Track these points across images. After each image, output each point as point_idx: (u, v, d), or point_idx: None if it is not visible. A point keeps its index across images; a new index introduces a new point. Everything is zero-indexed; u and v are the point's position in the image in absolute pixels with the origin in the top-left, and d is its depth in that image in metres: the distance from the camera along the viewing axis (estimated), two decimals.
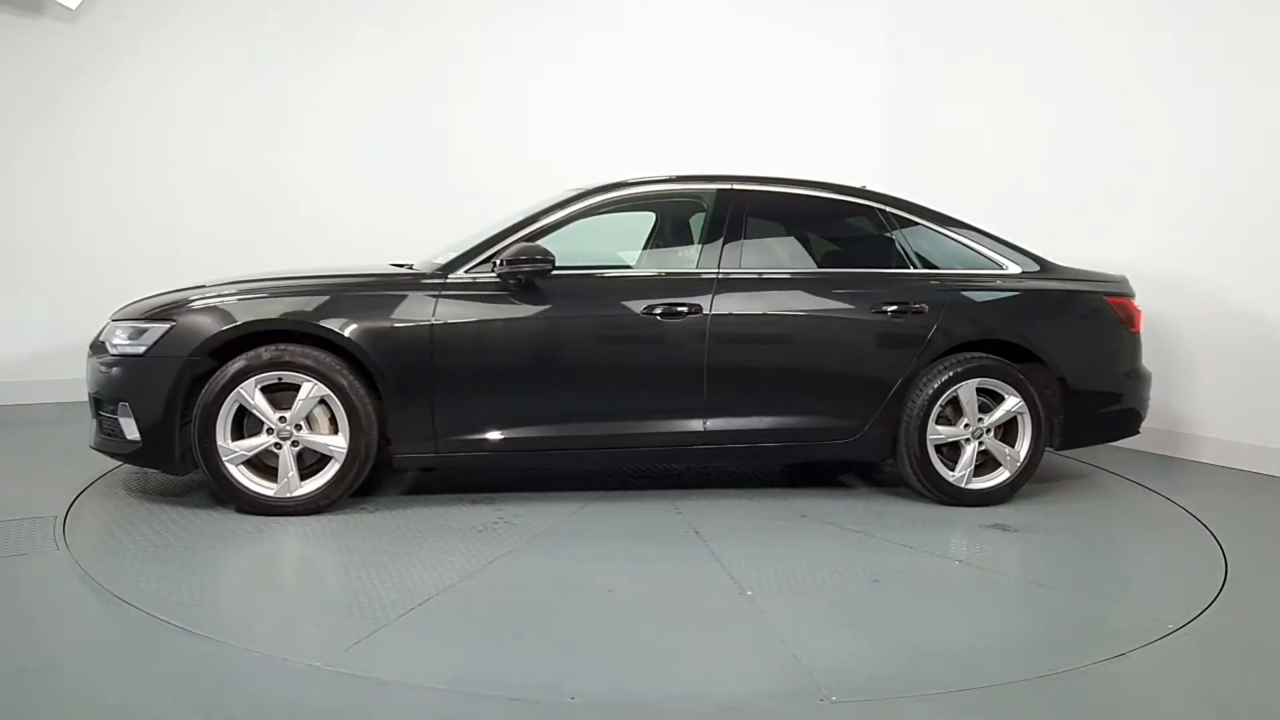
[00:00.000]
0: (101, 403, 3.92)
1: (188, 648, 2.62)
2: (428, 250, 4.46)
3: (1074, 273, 4.55)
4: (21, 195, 6.13)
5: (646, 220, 4.77)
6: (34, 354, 6.18)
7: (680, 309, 4.04)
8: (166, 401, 3.75)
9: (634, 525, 3.93)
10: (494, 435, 3.98)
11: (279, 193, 6.63)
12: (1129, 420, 4.62)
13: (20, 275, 6.15)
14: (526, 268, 3.92)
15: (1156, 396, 4.73)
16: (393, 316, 3.90)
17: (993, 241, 4.53)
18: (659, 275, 4.26)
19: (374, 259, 4.40)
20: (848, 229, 4.55)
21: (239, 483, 3.81)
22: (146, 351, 3.78)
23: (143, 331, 3.82)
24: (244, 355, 3.78)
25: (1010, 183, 6.30)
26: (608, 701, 2.43)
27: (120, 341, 3.85)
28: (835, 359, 4.23)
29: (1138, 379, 4.58)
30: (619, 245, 4.72)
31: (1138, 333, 4.56)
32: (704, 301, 4.08)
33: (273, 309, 3.84)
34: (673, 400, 4.10)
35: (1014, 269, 4.46)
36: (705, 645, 2.80)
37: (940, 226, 4.48)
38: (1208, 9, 5.29)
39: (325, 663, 2.56)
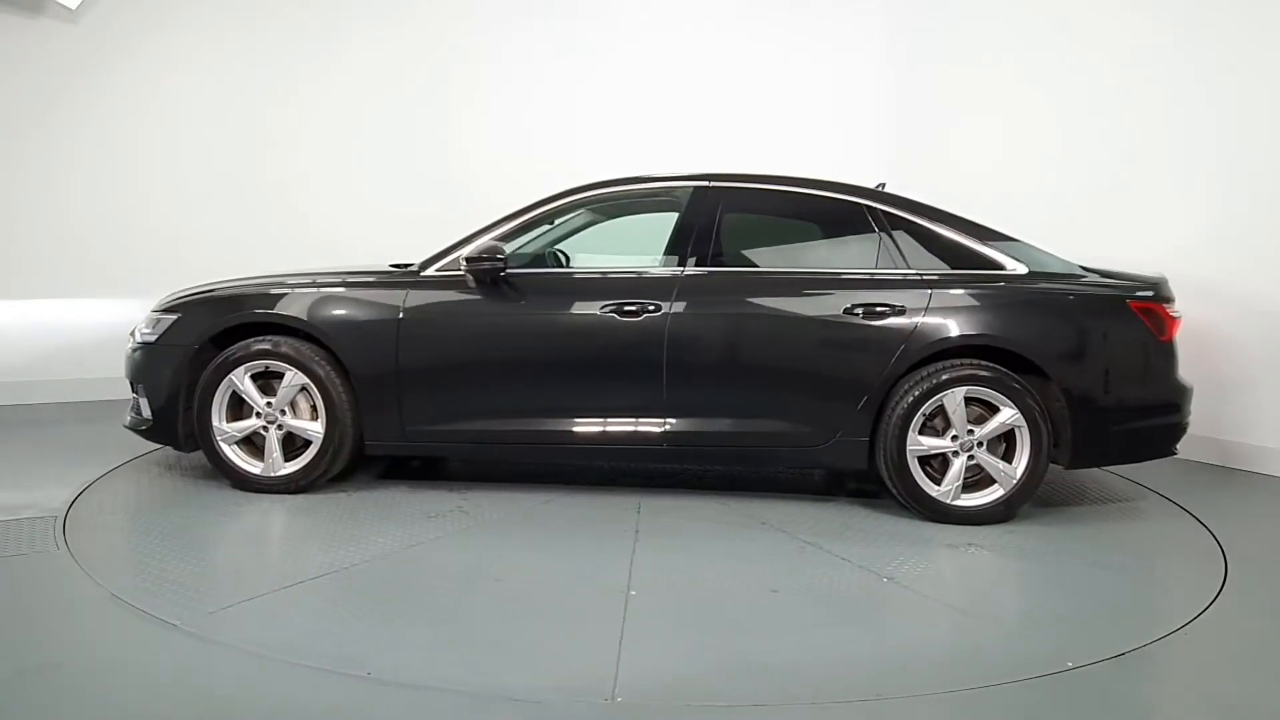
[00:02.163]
0: (132, 384, 4.42)
1: (187, 647, 2.67)
2: (430, 251, 4.66)
3: (1091, 273, 4.13)
4: (22, 195, 6.18)
5: (650, 221, 4.78)
6: (34, 354, 6.26)
7: (640, 308, 4.04)
8: (171, 385, 4.19)
9: (583, 520, 3.97)
10: (456, 427, 4.14)
11: (281, 193, 6.74)
12: (1158, 438, 4.14)
13: (20, 275, 6.21)
14: (485, 265, 4.06)
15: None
16: (365, 311, 4.16)
17: (1000, 241, 4.20)
18: (622, 274, 4.27)
19: (376, 258, 4.65)
20: (830, 227, 4.35)
21: (230, 461, 4.20)
22: (158, 339, 4.24)
23: (158, 321, 4.29)
24: (236, 345, 4.16)
25: (1016, 181, 6.12)
26: (398, 679, 2.52)
27: (144, 330, 4.33)
28: (801, 362, 4.07)
29: (1169, 392, 4.10)
30: (625, 246, 4.77)
31: (1168, 341, 4.07)
32: (664, 301, 4.05)
33: (258, 303, 4.19)
34: (632, 400, 4.10)
35: (1017, 269, 4.11)
36: (542, 637, 2.83)
37: (936, 224, 4.20)
38: (1209, 7, 5.21)
39: (181, 622, 2.81)
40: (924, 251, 4.18)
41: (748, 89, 7.16)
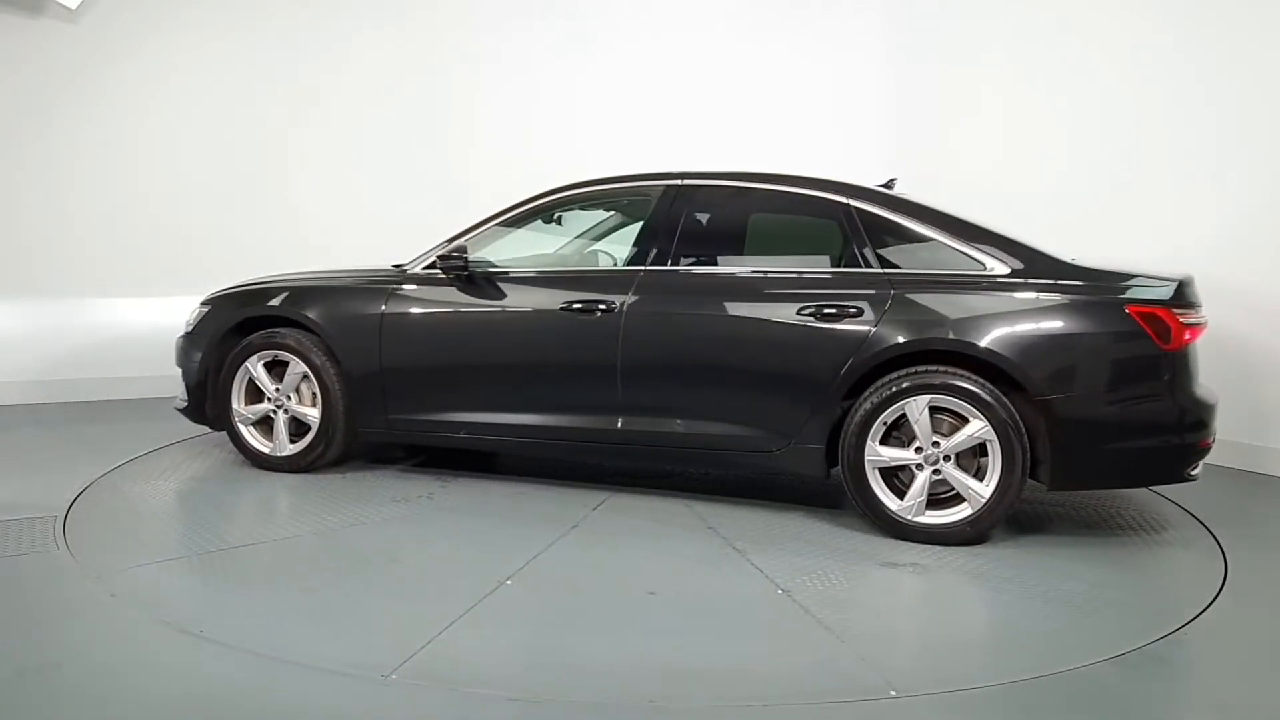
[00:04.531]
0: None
1: (186, 647, 2.70)
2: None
3: (1086, 273, 3.70)
4: (23, 196, 6.16)
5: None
6: (35, 354, 6.28)
7: (596, 307, 4.07)
8: (200, 370, 4.68)
9: (533, 512, 4.04)
10: (429, 417, 4.36)
11: (282, 192, 6.79)
12: (1162, 460, 3.67)
13: (21, 275, 6.20)
14: (451, 264, 4.26)
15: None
16: (355, 307, 4.46)
17: (992, 238, 3.85)
18: (583, 273, 4.31)
19: (381, 258, 4.90)
20: (799, 224, 4.18)
21: (247, 441, 4.64)
22: (192, 330, 4.76)
23: (196, 313, 4.81)
24: (252, 335, 4.59)
25: (1017, 180, 5.97)
26: (226, 641, 2.72)
27: (188, 321, 4.87)
28: (753, 364, 3.94)
29: (1177, 408, 3.61)
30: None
31: (1176, 350, 3.58)
32: (620, 299, 4.06)
33: (268, 298, 4.60)
34: (588, 397, 4.13)
35: (1000, 270, 3.76)
36: (383, 616, 2.96)
37: (913, 221, 3.93)
38: (1211, 6, 5.19)
39: (94, 573, 3.18)
40: (899, 250, 3.94)
41: (748, 88, 6.98)
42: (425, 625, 2.85)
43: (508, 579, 3.25)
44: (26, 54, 6.10)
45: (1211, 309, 4.03)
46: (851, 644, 2.82)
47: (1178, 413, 3.61)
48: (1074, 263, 3.78)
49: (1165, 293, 3.63)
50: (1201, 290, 3.87)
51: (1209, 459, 3.68)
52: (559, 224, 4.74)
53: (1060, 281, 3.70)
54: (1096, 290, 3.66)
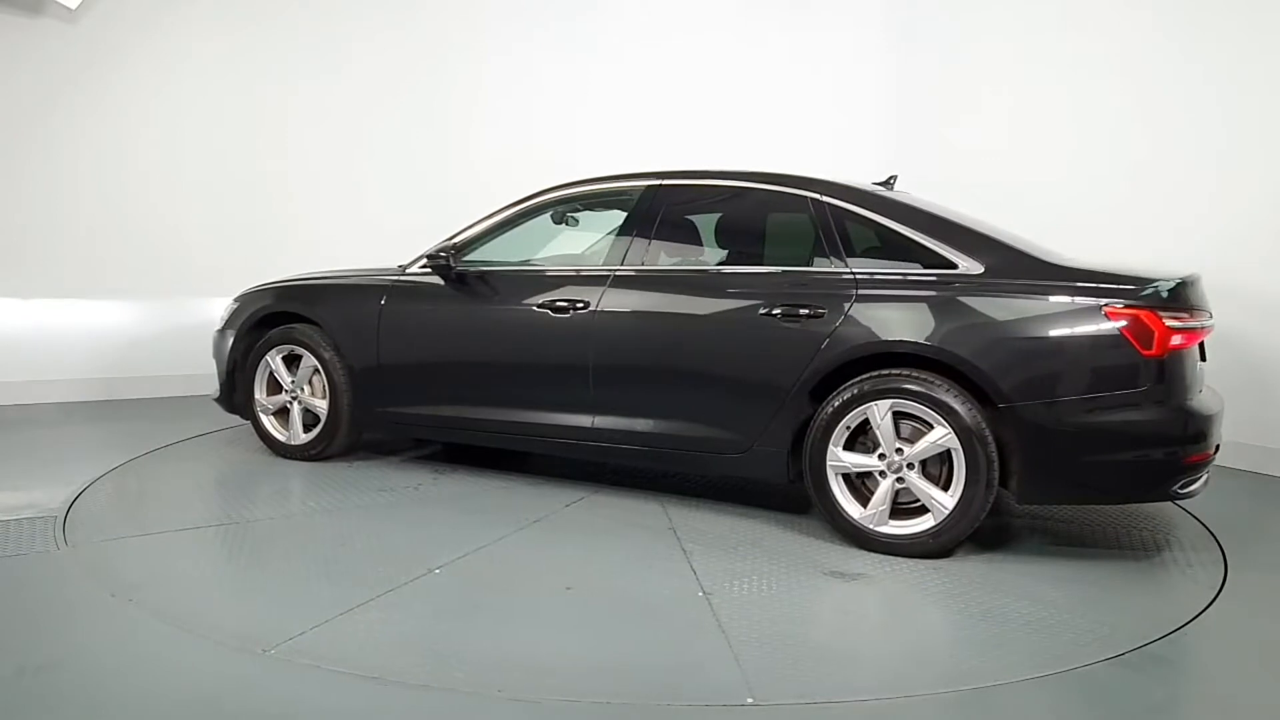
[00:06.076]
0: None
1: (187, 646, 2.70)
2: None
3: (1064, 273, 3.46)
4: (22, 196, 6.15)
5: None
6: (34, 354, 6.26)
7: (570, 304, 4.11)
8: (229, 362, 5.00)
9: (505, 506, 4.10)
10: (419, 411, 4.50)
11: (284, 192, 6.81)
12: (1144, 475, 3.38)
13: (21, 275, 6.17)
14: (439, 262, 4.39)
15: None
16: (357, 305, 4.66)
17: (970, 236, 3.66)
18: (560, 273, 4.33)
19: (386, 258, 5.08)
20: (773, 223, 4.07)
21: (266, 429, 4.92)
22: (223, 324, 5.08)
23: (227, 309, 5.13)
24: (272, 330, 4.87)
25: (1022, 177, 5.85)
26: (152, 606, 2.93)
27: (222, 316, 5.21)
28: (715, 365, 3.87)
29: (1162, 419, 3.31)
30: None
31: (1159, 355, 3.28)
32: (593, 298, 4.08)
33: (282, 296, 4.87)
34: (563, 394, 4.16)
35: (974, 269, 3.56)
36: (300, 595, 3.08)
37: (886, 218, 3.76)
38: (1212, 7, 5.14)
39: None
40: (871, 248, 3.80)
41: (748, 87, 6.85)
42: (331, 605, 2.96)
43: (437, 568, 3.32)
44: (26, 54, 6.10)
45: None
46: (737, 649, 2.73)
47: (1161, 424, 3.32)
48: (1056, 262, 3.54)
49: (1151, 294, 3.34)
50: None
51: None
52: (567, 224, 4.79)
53: (1035, 281, 3.47)
54: (1072, 291, 3.40)
